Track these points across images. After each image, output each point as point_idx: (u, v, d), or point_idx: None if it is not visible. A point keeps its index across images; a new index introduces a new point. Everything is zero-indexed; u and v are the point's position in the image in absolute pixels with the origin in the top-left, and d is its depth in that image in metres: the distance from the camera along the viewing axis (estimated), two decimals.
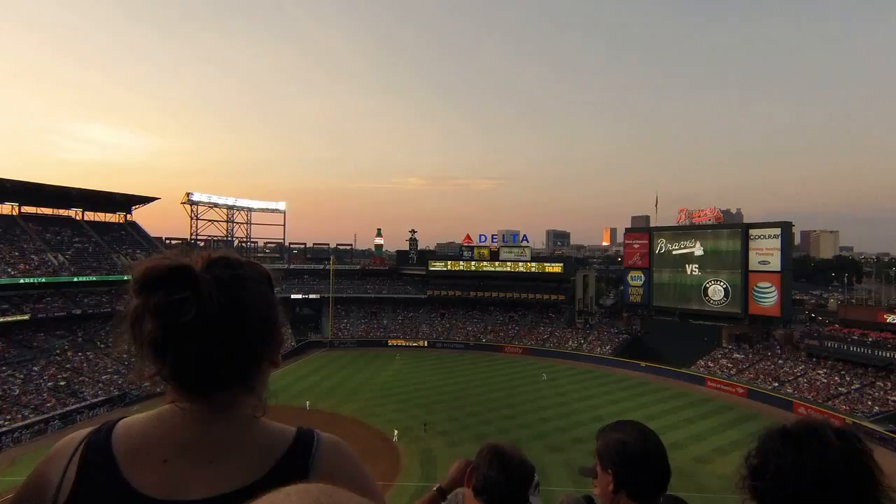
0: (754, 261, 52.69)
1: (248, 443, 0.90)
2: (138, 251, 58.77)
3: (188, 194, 69.25)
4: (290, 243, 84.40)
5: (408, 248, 79.06)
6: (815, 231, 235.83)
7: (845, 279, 77.25)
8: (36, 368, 40.24)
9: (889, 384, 40.07)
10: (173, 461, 0.84)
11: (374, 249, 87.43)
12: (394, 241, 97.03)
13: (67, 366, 42.03)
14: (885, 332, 44.24)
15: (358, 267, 78.31)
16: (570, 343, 61.81)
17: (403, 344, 64.09)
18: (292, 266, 74.99)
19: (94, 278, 50.50)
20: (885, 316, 45.24)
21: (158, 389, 0.90)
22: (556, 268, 70.29)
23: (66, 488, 0.81)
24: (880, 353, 41.83)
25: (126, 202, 61.66)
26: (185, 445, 0.86)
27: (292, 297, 68.54)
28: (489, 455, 1.89)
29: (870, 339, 43.53)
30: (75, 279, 49.01)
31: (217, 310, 0.86)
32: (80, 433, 0.91)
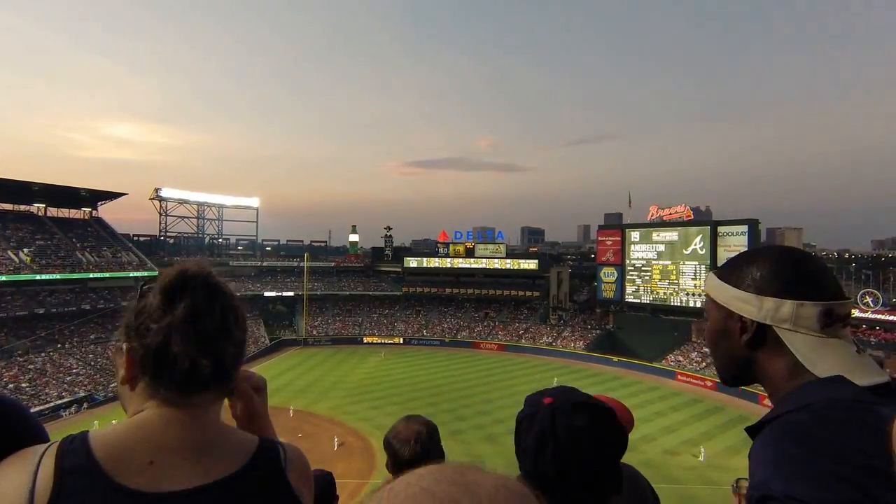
0: (723, 257, 53.94)
1: (225, 442, 0.96)
2: (104, 248, 57.11)
3: (156, 190, 67.57)
4: (263, 240, 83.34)
5: (383, 245, 78.70)
6: (780, 228, 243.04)
7: None
8: None
9: None
10: (159, 462, 0.87)
11: (348, 246, 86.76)
12: (369, 238, 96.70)
13: (30, 367, 40.64)
14: None
15: (333, 264, 77.59)
16: (545, 339, 62.46)
17: (379, 341, 63.84)
18: (265, 263, 73.95)
19: (58, 276, 48.90)
20: None
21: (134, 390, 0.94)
22: (531, 264, 70.86)
23: (42, 496, 0.80)
24: None
25: (92, 198, 59.77)
26: (169, 447, 0.89)
27: (265, 294, 67.61)
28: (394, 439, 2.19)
29: None
30: (38, 277, 47.39)
31: (217, 311, 0.96)
32: (35, 448, 0.88)
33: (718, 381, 1.18)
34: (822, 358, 0.92)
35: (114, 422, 0.99)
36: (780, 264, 1.00)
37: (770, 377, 1.00)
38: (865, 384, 0.85)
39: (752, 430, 0.94)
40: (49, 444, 0.89)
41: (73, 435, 0.90)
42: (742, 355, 1.03)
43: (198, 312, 0.94)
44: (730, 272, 1.07)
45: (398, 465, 2.13)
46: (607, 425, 1.27)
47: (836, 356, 0.92)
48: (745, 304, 1.00)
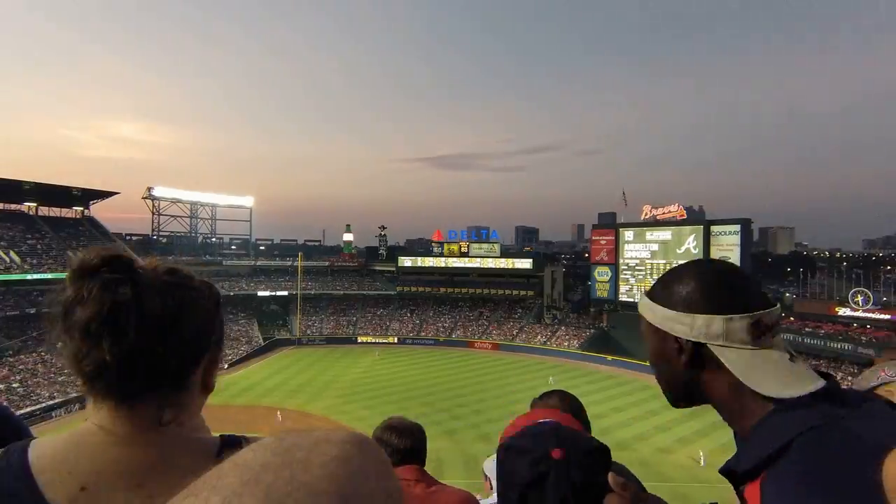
0: (715, 256, 54.23)
1: (175, 458, 0.82)
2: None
3: (149, 189, 67.10)
4: (256, 239, 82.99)
5: (377, 245, 78.61)
6: (772, 227, 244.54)
7: (801, 274, 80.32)
8: None
9: (839, 374, 42.04)
10: (93, 488, 0.75)
11: (343, 245, 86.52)
12: (363, 238, 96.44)
13: (21, 367, 40.31)
14: (836, 325, 46.35)
15: (327, 263, 77.36)
16: (539, 338, 62.57)
17: (373, 341, 63.75)
18: (259, 263, 73.67)
19: (50, 276, 48.43)
20: (836, 309, 47.35)
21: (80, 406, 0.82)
22: (526, 264, 70.93)
23: None
24: (831, 344, 43.81)
25: (84, 197, 59.32)
26: (107, 471, 0.77)
27: (259, 293, 67.40)
28: (385, 434, 2.13)
29: (822, 332, 45.53)
30: (28, 277, 47.00)
31: (155, 302, 0.80)
32: None
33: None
34: (755, 372, 0.89)
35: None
36: (705, 280, 0.96)
37: (717, 398, 0.95)
38: (804, 394, 0.83)
39: (734, 474, 0.87)
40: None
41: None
42: (683, 377, 0.98)
43: (116, 304, 0.77)
44: (660, 292, 1.02)
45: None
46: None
47: (770, 368, 0.89)
48: (678, 323, 0.96)
